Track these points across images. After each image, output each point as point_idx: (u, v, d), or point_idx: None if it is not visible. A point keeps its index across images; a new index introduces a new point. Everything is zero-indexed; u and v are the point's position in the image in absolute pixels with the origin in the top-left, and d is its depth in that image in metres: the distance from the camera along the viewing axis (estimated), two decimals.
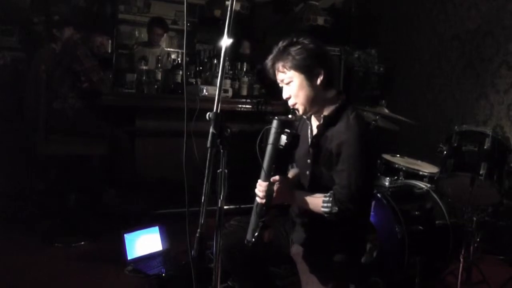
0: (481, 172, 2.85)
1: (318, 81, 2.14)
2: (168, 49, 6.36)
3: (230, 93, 4.70)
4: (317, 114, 2.23)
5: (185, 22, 1.96)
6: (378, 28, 6.12)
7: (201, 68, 4.93)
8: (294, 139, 2.02)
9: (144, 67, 4.63)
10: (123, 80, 4.60)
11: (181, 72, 4.60)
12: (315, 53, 2.15)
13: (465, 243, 3.07)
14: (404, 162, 3.78)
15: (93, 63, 4.34)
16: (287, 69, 2.13)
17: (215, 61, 4.90)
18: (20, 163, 4.24)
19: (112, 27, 6.05)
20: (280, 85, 2.21)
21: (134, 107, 4.45)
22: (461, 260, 3.03)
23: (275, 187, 2.07)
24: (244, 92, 4.93)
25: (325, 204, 2.08)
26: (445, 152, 3.05)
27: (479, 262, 3.38)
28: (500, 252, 3.98)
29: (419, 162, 3.91)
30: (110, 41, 5.27)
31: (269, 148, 2.04)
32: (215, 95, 1.76)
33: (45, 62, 4.03)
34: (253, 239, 2.06)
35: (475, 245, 3.25)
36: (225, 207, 1.76)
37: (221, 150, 1.73)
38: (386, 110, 3.69)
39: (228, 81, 4.80)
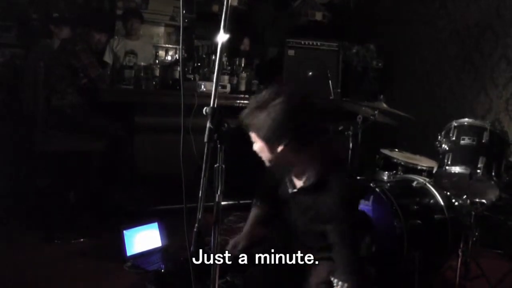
0: (479, 166, 2.85)
1: (279, 149, 2.10)
2: (166, 45, 6.33)
3: (228, 89, 4.70)
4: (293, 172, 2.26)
5: (180, 18, 1.95)
6: (377, 23, 6.11)
7: (199, 64, 4.92)
8: None
9: (134, 61, 4.63)
10: (121, 76, 4.60)
11: (179, 68, 4.60)
12: (287, 122, 2.07)
13: (464, 238, 3.08)
14: (403, 156, 3.77)
15: (92, 60, 4.34)
16: (252, 131, 2.13)
17: (213, 57, 4.90)
18: (19, 160, 4.24)
19: (111, 24, 6.03)
20: None
21: (132, 103, 4.44)
22: (460, 254, 3.03)
23: None
24: (242, 87, 4.93)
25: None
26: (443, 146, 3.05)
27: (477, 257, 3.37)
28: (498, 247, 3.98)
29: (417, 156, 3.91)
30: (107, 38, 5.27)
31: None
32: (217, 92, 1.76)
33: (43, 58, 4.03)
34: None
35: (474, 239, 3.24)
36: (224, 202, 1.76)
37: (219, 145, 1.73)
38: (385, 105, 3.69)
39: (226, 77, 4.80)
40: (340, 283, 2.09)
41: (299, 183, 2.25)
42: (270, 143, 2.09)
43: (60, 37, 4.39)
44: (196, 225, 1.73)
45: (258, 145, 2.14)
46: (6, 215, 3.92)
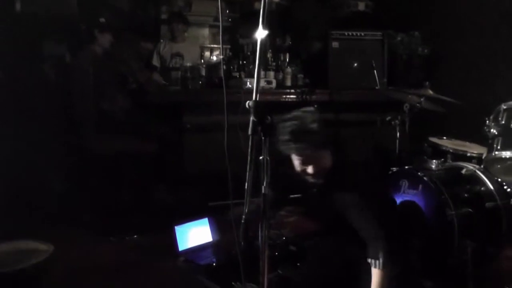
0: None
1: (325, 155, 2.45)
2: (212, 45, 6.42)
3: (274, 84, 4.74)
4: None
5: (220, 16, 1.99)
6: (422, 9, 5.97)
7: (244, 62, 4.99)
8: None
9: (180, 63, 4.72)
10: (169, 77, 4.70)
11: (224, 67, 4.69)
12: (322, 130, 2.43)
13: None
14: (452, 144, 3.70)
15: (140, 65, 4.46)
16: (321, 150, 2.43)
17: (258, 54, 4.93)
18: (73, 163, 4.38)
19: (157, 28, 6.16)
20: (298, 161, 2.46)
21: (180, 103, 4.53)
22: None
23: None
24: (288, 82, 4.97)
25: (377, 263, 2.29)
26: (492, 131, 2.97)
27: None
28: None
29: (467, 143, 3.81)
30: (154, 44, 5.41)
31: None
32: (259, 86, 1.80)
33: (92, 64, 4.17)
34: None
35: None
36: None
37: (263, 138, 1.76)
38: (431, 92, 3.63)
39: (272, 73, 4.85)
40: (373, 261, 2.30)
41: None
42: (323, 151, 2.45)
43: (101, 43, 4.49)
44: (243, 217, 1.76)
45: (311, 161, 2.42)
46: (62, 215, 4.07)
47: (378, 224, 2.36)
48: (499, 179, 3.15)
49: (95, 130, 4.18)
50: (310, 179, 2.48)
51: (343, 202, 2.40)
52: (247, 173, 1.75)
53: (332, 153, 2.53)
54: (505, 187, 3.16)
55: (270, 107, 1.77)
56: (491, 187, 3.16)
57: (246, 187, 1.76)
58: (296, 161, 2.45)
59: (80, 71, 4.26)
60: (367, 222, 2.36)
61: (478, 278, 2.95)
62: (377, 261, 2.28)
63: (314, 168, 2.43)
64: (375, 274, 2.30)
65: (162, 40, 5.78)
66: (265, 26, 1.79)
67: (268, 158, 1.77)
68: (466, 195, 3.13)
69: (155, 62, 5.54)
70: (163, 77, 5.06)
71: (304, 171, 2.44)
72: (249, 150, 1.73)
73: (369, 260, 2.31)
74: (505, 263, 3.29)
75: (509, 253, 3.16)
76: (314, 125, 2.39)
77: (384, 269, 2.28)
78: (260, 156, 1.76)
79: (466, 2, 5.40)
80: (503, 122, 2.92)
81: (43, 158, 4.23)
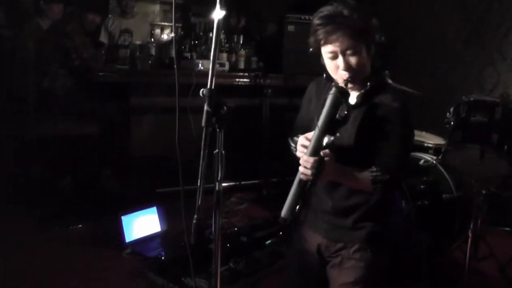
0: (491, 143, 2.74)
1: (370, 49, 1.91)
2: (163, 23, 6.18)
3: (226, 67, 4.58)
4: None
5: None
6: None
7: (196, 42, 4.79)
8: (350, 112, 1.82)
9: (129, 40, 4.51)
10: (116, 55, 4.46)
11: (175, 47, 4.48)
12: (373, 21, 1.93)
13: (473, 217, 2.98)
14: None
15: (84, 40, 4.22)
16: (355, 38, 1.84)
17: (211, 35, 4.75)
18: (11, 145, 4.12)
19: (105, 2, 5.87)
20: (330, 55, 1.90)
21: (128, 83, 4.30)
22: (469, 234, 2.94)
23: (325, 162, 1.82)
24: (241, 65, 4.81)
25: (374, 173, 1.85)
26: (452, 123, 2.93)
27: (487, 236, 3.29)
28: (507, 224, 3.90)
29: (423, 133, 3.79)
30: (102, 18, 5.12)
31: (324, 117, 1.78)
32: (214, 72, 1.64)
33: (33, 38, 3.90)
34: (291, 217, 1.82)
35: (483, 218, 3.15)
36: (225, 184, 1.66)
37: (217, 130, 1.61)
38: (390, 81, 3.56)
39: (225, 55, 4.68)
40: (379, 173, 1.86)
41: (356, 93, 1.98)
42: (373, 42, 1.91)
43: (51, 17, 4.22)
44: (195, 216, 1.62)
45: (363, 54, 1.88)
46: (2, 202, 3.82)
47: (405, 150, 2.00)
48: (457, 172, 3.14)
49: (35, 110, 3.91)
50: (341, 80, 1.91)
51: (387, 110, 1.89)
52: (200, 167, 1.60)
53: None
54: (462, 179, 3.15)
55: (224, 94, 1.63)
56: (449, 179, 3.15)
57: (199, 183, 1.61)
58: (326, 54, 1.92)
59: (20, 46, 3.98)
60: (398, 141, 1.90)
61: (431, 268, 2.97)
62: (378, 174, 1.85)
63: (346, 65, 1.87)
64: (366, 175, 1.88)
65: (110, 15, 5.50)
66: (223, 7, 1.62)
67: (223, 152, 1.62)
68: (422, 186, 3.10)
69: (103, 38, 5.26)
70: (110, 54, 4.80)
71: (336, 67, 1.90)
72: (202, 143, 1.58)
73: (373, 168, 1.87)
74: (457, 253, 3.32)
75: (462, 244, 3.18)
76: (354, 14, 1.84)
77: (376, 184, 1.86)
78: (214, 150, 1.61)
79: None
80: (463, 115, 2.88)
81: None
